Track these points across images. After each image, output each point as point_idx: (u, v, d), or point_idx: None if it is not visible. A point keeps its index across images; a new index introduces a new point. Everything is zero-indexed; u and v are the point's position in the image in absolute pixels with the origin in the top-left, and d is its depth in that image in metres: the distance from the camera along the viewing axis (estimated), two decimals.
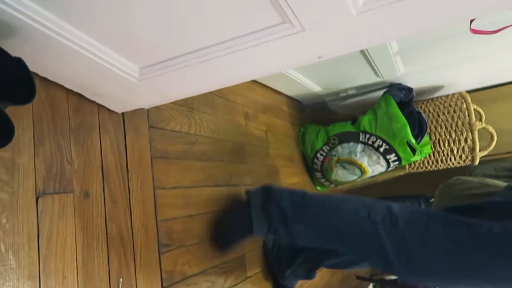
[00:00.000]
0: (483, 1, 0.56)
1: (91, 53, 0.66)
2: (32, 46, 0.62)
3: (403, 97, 1.73)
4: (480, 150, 1.79)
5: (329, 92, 1.93)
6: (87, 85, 0.79)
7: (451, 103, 1.85)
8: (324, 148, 1.89)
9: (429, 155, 1.90)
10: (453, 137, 1.82)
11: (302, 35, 0.63)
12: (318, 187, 2.06)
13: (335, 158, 1.85)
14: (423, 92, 1.95)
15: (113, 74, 0.73)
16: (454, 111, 1.83)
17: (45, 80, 0.76)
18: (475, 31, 0.88)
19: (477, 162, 1.84)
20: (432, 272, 0.91)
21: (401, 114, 1.66)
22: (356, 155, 1.80)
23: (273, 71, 0.79)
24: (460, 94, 1.85)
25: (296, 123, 1.99)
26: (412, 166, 1.99)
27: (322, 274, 1.74)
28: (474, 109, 1.82)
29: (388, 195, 2.24)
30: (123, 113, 0.94)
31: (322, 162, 1.90)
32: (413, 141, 1.67)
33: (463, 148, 1.82)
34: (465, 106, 1.81)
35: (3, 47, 0.57)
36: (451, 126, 1.82)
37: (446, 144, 1.84)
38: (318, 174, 1.97)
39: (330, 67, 1.58)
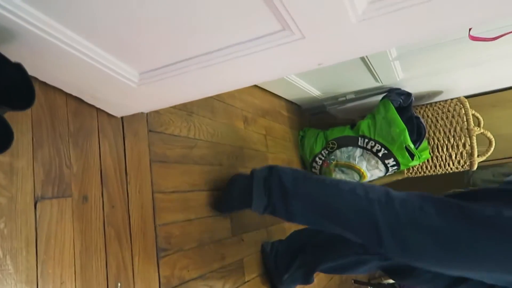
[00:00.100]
0: (478, 12, 0.56)
1: (90, 58, 0.66)
2: (31, 50, 0.62)
3: (402, 102, 1.73)
4: (478, 156, 1.80)
5: (328, 97, 1.93)
6: (86, 89, 0.79)
7: (450, 108, 1.85)
8: (323, 152, 1.89)
9: (428, 160, 1.90)
10: (452, 142, 1.83)
11: (302, 42, 0.63)
12: None
13: (334, 162, 1.85)
14: (421, 97, 1.96)
15: (112, 79, 0.73)
16: (453, 116, 1.83)
17: (44, 84, 0.76)
18: (474, 38, 0.88)
19: (475, 167, 1.85)
20: (422, 252, 0.92)
21: (399, 119, 1.67)
22: (355, 160, 1.80)
23: (273, 77, 0.79)
24: (458, 99, 1.85)
25: (295, 127, 1.99)
26: (410, 171, 2.00)
27: (320, 278, 1.74)
28: (473, 115, 1.83)
29: None
30: (122, 117, 0.94)
31: (321, 166, 1.90)
32: (412, 146, 1.68)
33: (461, 153, 1.83)
34: (463, 111, 1.81)
35: (3, 52, 0.57)
36: (450, 131, 1.83)
37: (445, 149, 1.85)
38: None
39: (329, 72, 1.59)
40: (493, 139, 1.77)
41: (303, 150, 1.96)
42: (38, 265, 0.68)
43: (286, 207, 1.09)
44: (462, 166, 1.88)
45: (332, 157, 1.86)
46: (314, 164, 1.92)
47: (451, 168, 1.90)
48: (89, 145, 0.84)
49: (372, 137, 1.75)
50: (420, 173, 1.99)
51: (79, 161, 0.81)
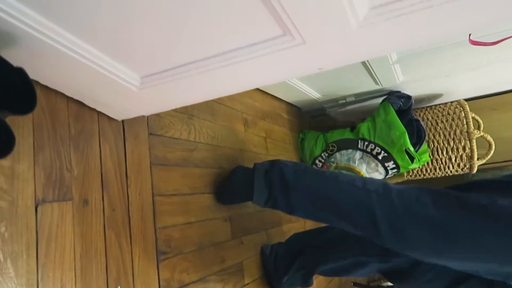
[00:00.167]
0: (479, 17, 0.57)
1: (92, 62, 0.66)
2: (33, 54, 0.62)
3: (402, 105, 1.73)
4: (478, 159, 1.80)
5: (328, 99, 1.93)
6: (87, 93, 0.79)
7: (450, 111, 1.85)
8: (322, 154, 1.90)
9: (427, 163, 1.91)
10: (451, 145, 1.83)
11: (303, 47, 0.63)
12: None
13: (334, 165, 1.85)
14: (421, 100, 1.96)
15: (113, 82, 0.73)
16: (453, 119, 1.84)
17: (45, 87, 0.76)
18: (474, 43, 0.89)
19: (475, 170, 1.85)
20: (419, 241, 0.93)
21: (399, 122, 1.67)
22: (355, 162, 1.81)
23: (273, 81, 0.79)
24: (458, 102, 1.86)
25: (295, 130, 1.99)
26: (410, 174, 2.00)
27: (319, 281, 1.74)
28: (472, 118, 1.83)
29: None
30: (123, 121, 0.94)
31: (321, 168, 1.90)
32: (412, 149, 1.68)
33: (461, 156, 1.83)
34: (463, 114, 1.82)
35: (4, 56, 0.57)
36: (450, 134, 1.83)
37: (444, 152, 1.85)
38: None
39: (330, 75, 1.59)
40: (493, 142, 1.78)
41: (303, 152, 1.96)
42: (39, 268, 0.68)
43: (287, 200, 1.11)
44: (462, 169, 1.88)
45: (332, 159, 1.86)
46: (314, 166, 1.92)
47: (451, 171, 1.91)
48: (90, 148, 0.84)
49: (372, 139, 1.75)
50: (420, 176, 1.99)
51: (79, 164, 0.81)
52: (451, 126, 1.84)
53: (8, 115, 0.58)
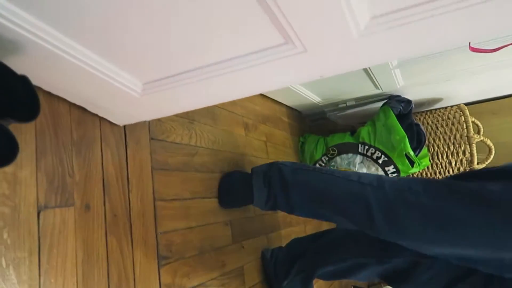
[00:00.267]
0: (480, 28, 0.57)
1: (94, 69, 0.67)
2: (36, 61, 0.63)
3: (402, 109, 1.74)
4: (478, 163, 1.80)
5: (329, 103, 1.94)
6: (90, 99, 0.80)
7: (450, 115, 1.86)
8: (323, 158, 1.90)
9: (428, 167, 1.91)
10: (451, 149, 1.83)
11: (304, 55, 0.64)
12: None
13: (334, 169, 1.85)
14: (421, 104, 1.97)
15: (116, 89, 0.73)
16: (453, 124, 1.84)
17: (48, 93, 0.76)
18: (474, 50, 0.89)
19: None
20: (412, 229, 0.95)
21: (400, 126, 1.68)
22: (355, 166, 1.81)
23: (274, 87, 0.80)
24: (458, 106, 1.86)
25: (296, 133, 2.00)
26: None
27: (319, 285, 1.74)
28: (472, 122, 1.83)
29: None
30: (124, 126, 0.94)
31: None
32: (412, 153, 1.68)
33: (461, 160, 1.83)
34: (463, 118, 1.82)
35: (8, 64, 0.58)
36: (450, 139, 1.84)
37: (444, 157, 1.85)
38: None
39: (330, 79, 1.60)
40: (492, 147, 1.78)
41: (304, 156, 1.97)
42: (41, 274, 0.68)
43: (286, 198, 1.13)
44: None
45: (332, 163, 1.86)
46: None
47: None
48: (92, 153, 0.84)
49: (372, 144, 1.75)
50: None
51: (81, 170, 0.81)
52: (451, 130, 1.84)
53: (12, 122, 0.59)
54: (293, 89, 1.65)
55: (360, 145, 1.79)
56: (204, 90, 0.77)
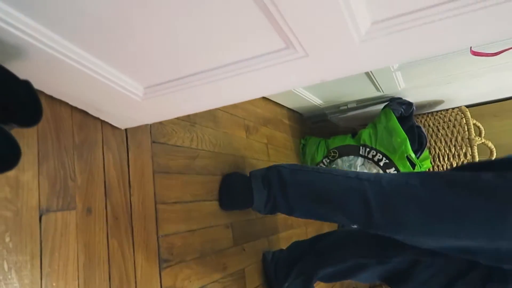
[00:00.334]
0: (481, 33, 0.57)
1: (96, 73, 0.67)
2: (37, 66, 0.63)
3: (403, 112, 1.74)
4: None
5: (330, 105, 1.94)
6: (92, 102, 0.80)
7: (451, 117, 1.86)
8: (324, 160, 1.90)
9: (429, 170, 1.91)
10: (453, 151, 1.83)
11: (305, 60, 0.64)
12: None
13: None
14: (423, 106, 1.97)
15: (117, 93, 0.74)
16: (454, 126, 1.84)
17: (50, 97, 0.76)
18: (475, 53, 0.89)
19: None
20: (409, 222, 0.96)
21: (401, 128, 1.68)
22: (356, 169, 1.81)
23: (275, 91, 0.80)
24: (459, 109, 1.86)
25: (297, 135, 2.00)
26: None
27: (320, 287, 1.74)
28: (474, 124, 1.83)
29: None
30: (126, 129, 0.94)
31: None
32: (413, 155, 1.68)
33: (462, 162, 1.83)
34: (464, 121, 1.82)
35: (10, 68, 0.58)
36: (451, 141, 1.84)
37: (446, 159, 1.85)
38: None
39: (331, 82, 1.58)
40: (494, 149, 1.78)
41: (305, 158, 1.97)
42: (43, 278, 0.68)
43: (286, 199, 1.14)
44: None
45: (334, 165, 1.86)
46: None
47: None
48: (93, 157, 0.85)
49: (374, 146, 1.76)
50: None
51: (83, 173, 0.81)
52: (452, 132, 1.84)
53: (14, 127, 0.59)
54: (294, 91, 1.65)
55: (361, 147, 1.79)
56: (206, 94, 0.77)
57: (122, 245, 0.87)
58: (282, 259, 1.39)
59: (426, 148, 1.79)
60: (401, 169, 1.72)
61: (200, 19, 0.56)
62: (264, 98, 1.72)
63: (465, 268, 1.03)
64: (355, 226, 1.14)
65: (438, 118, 1.89)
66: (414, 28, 0.56)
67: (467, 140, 1.81)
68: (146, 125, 1.00)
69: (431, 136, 1.88)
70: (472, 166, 1.04)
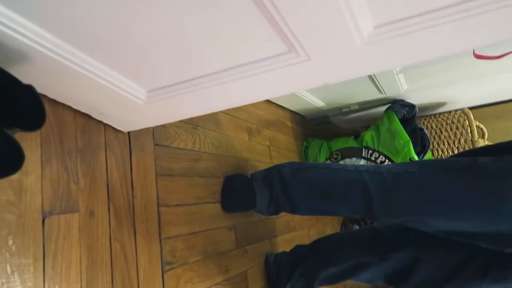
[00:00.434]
0: (483, 36, 0.57)
1: (99, 77, 0.67)
2: (40, 70, 0.63)
3: (406, 114, 1.74)
4: None
5: (332, 107, 1.94)
6: (95, 106, 0.80)
7: (454, 119, 1.85)
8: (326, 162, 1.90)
9: None
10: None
11: (308, 64, 0.64)
12: None
13: None
14: (425, 108, 1.96)
15: (120, 97, 0.74)
16: (457, 128, 1.84)
17: (53, 101, 0.77)
18: (478, 57, 0.89)
19: None
20: (408, 207, 0.98)
21: (403, 130, 1.67)
22: None
23: (278, 95, 0.80)
24: (462, 111, 1.86)
25: (299, 138, 2.00)
26: None
27: None
28: (477, 126, 1.83)
29: None
30: (129, 132, 0.95)
31: None
32: (416, 157, 1.68)
33: None
34: (467, 123, 1.82)
35: (13, 73, 0.58)
36: (454, 143, 1.83)
37: None
38: None
39: (334, 84, 1.59)
40: None
41: (307, 160, 1.96)
42: (45, 281, 0.69)
43: (288, 197, 1.16)
44: None
45: None
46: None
47: None
48: (96, 160, 0.85)
49: (376, 148, 1.75)
50: None
51: (86, 176, 0.82)
52: (455, 134, 1.84)
53: (17, 131, 0.59)
54: (297, 93, 1.65)
55: (363, 149, 1.79)
56: (210, 97, 0.77)
57: (124, 248, 0.87)
58: (285, 261, 1.39)
59: (429, 150, 1.79)
60: None
61: (204, 23, 0.56)
62: (266, 100, 1.73)
63: (466, 258, 1.05)
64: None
65: (441, 120, 1.89)
66: (417, 32, 0.56)
67: (470, 142, 1.80)
68: (149, 128, 1.00)
69: (434, 138, 1.88)
70: (469, 152, 1.06)
